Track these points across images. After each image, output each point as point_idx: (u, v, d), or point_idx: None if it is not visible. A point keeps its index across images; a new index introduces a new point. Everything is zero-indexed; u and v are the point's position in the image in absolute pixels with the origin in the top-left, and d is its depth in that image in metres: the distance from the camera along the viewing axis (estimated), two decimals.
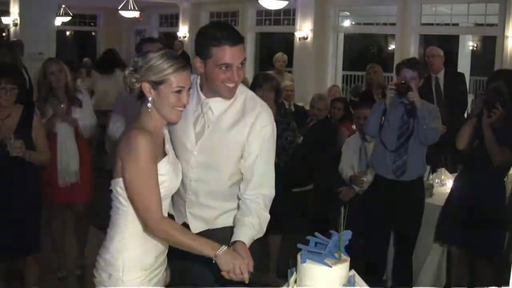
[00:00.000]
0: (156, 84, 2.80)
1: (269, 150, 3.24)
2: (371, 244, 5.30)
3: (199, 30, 3.18)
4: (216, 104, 3.20)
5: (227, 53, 3.03)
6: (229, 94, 3.16)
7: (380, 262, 5.42)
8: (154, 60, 2.80)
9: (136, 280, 2.89)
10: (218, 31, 3.04)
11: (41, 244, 4.90)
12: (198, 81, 3.23)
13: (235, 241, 2.96)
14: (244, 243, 2.95)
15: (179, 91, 2.82)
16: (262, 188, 3.18)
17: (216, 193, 3.30)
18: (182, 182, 3.25)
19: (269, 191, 3.22)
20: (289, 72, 12.20)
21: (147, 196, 2.77)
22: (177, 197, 3.36)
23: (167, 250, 3.05)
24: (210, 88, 3.17)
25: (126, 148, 2.78)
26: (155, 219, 2.79)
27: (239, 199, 3.23)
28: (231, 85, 3.10)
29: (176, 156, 3.17)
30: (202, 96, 3.21)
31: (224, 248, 2.79)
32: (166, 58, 2.81)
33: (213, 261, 2.79)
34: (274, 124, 3.29)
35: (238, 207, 3.22)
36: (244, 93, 3.26)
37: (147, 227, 2.85)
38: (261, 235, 3.14)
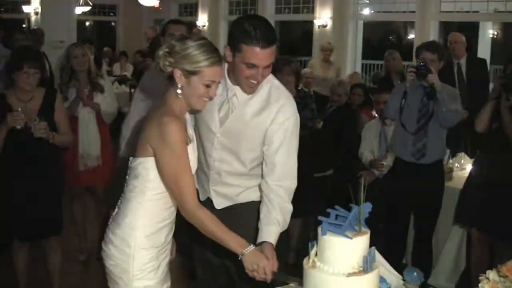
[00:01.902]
0: (188, 73, 2.83)
1: (291, 142, 3.24)
2: (390, 227, 5.31)
3: (235, 20, 3.19)
4: (242, 91, 3.22)
5: (255, 55, 3.02)
6: (250, 90, 3.19)
7: (399, 246, 5.44)
8: (192, 49, 2.82)
9: (147, 257, 2.95)
10: (252, 29, 3.01)
11: (63, 227, 4.95)
12: (227, 66, 3.23)
13: (262, 242, 3.01)
14: (271, 244, 3.00)
15: (209, 85, 2.86)
16: (284, 180, 3.20)
17: (238, 173, 3.34)
18: (206, 161, 3.32)
19: (291, 182, 3.23)
20: (306, 60, 12.24)
21: (184, 181, 2.83)
22: (202, 175, 3.41)
23: (173, 230, 3.10)
24: (235, 77, 3.20)
25: (159, 135, 2.81)
26: (192, 205, 2.85)
27: (261, 189, 3.25)
28: (254, 82, 3.12)
29: (201, 136, 3.23)
30: (229, 82, 3.24)
31: (251, 247, 2.86)
32: (203, 50, 2.83)
33: (239, 258, 2.85)
34: (298, 116, 3.30)
35: (261, 197, 3.23)
36: (270, 82, 3.28)
37: (183, 212, 2.91)
38: (285, 228, 3.18)
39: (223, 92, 3.25)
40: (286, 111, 3.23)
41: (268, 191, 3.17)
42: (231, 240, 2.86)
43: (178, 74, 2.84)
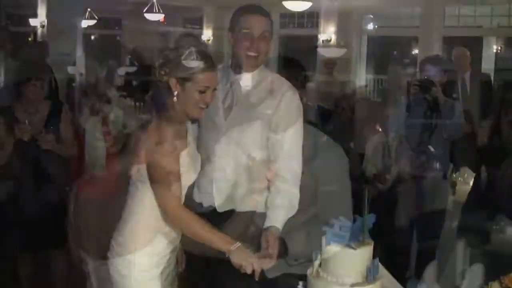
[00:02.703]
0: (183, 81, 2.88)
1: (297, 126, 3.29)
2: (394, 240, 5.31)
3: None
4: (245, 81, 3.29)
5: (248, 21, 3.21)
6: (249, 63, 3.26)
7: (403, 260, 5.43)
8: (184, 56, 2.88)
9: (149, 263, 2.98)
10: (245, 6, 3.28)
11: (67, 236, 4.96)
12: (230, 60, 3.35)
13: (268, 227, 3.08)
14: (276, 228, 3.07)
15: (203, 91, 2.90)
16: (289, 162, 3.24)
17: (243, 169, 3.34)
18: (210, 159, 3.31)
19: (297, 166, 3.26)
20: (310, 75, 12.24)
21: (167, 183, 2.86)
22: (204, 178, 3.39)
23: (179, 239, 3.11)
24: (236, 60, 3.29)
25: (152, 139, 2.87)
26: (174, 207, 2.89)
27: (264, 192, 3.29)
28: (252, 54, 3.21)
29: (205, 134, 3.28)
30: (232, 72, 3.30)
31: (238, 244, 2.85)
32: (196, 56, 2.88)
33: (226, 256, 2.85)
34: (301, 102, 3.36)
35: (268, 189, 3.27)
36: (272, 74, 3.37)
37: (166, 216, 2.94)
38: (293, 212, 3.21)
39: (227, 84, 3.31)
40: (290, 97, 3.28)
41: (275, 178, 3.23)
42: (217, 239, 2.86)
43: (173, 82, 2.90)
